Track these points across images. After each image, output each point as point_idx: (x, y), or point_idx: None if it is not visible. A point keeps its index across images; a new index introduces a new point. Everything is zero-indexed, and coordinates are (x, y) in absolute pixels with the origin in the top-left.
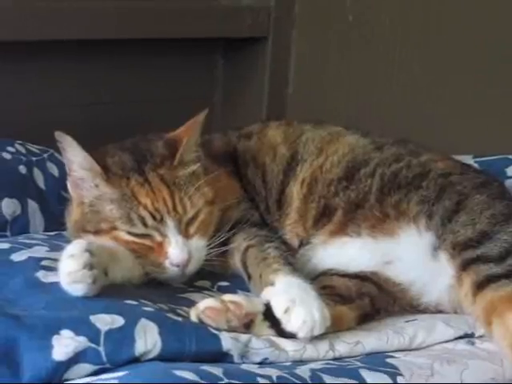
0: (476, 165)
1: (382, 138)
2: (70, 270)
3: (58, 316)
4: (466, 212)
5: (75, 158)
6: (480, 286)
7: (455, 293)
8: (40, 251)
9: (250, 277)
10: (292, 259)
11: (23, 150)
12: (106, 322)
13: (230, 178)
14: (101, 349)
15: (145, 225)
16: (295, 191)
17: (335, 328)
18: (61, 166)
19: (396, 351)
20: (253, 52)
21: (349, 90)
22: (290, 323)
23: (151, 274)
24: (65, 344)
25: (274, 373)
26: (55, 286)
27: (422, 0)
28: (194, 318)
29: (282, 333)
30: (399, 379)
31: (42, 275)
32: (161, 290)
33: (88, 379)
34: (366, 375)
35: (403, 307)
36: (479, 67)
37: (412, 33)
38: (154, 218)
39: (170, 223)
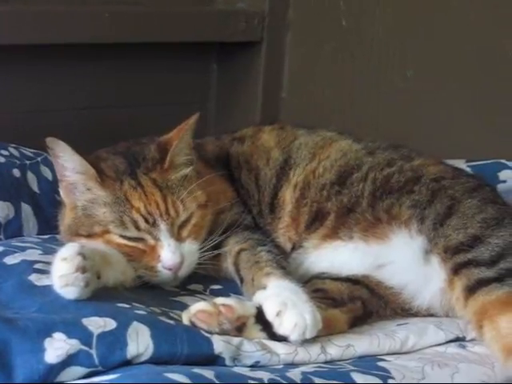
0: (469, 169)
1: (375, 142)
2: (63, 273)
3: (51, 319)
4: (458, 216)
5: (68, 162)
6: (471, 289)
7: (447, 296)
8: (33, 254)
9: (242, 280)
10: (284, 263)
11: (17, 154)
12: (98, 324)
13: (223, 182)
14: (93, 351)
15: (137, 228)
16: (288, 195)
17: (327, 331)
18: (54, 169)
19: (387, 354)
20: (247, 56)
21: (342, 94)
22: (282, 326)
23: (144, 277)
24: (57, 347)
25: (265, 376)
26: (48, 289)
27: (416, 5)
28: (186, 321)
29: (274, 336)
30: (390, 382)
31: (34, 278)
32: (153, 294)
33: (80, 382)
34: (358, 378)
35: (395, 310)
36: (473, 72)
37: (406, 37)
38: (146, 221)
39: (163, 226)
